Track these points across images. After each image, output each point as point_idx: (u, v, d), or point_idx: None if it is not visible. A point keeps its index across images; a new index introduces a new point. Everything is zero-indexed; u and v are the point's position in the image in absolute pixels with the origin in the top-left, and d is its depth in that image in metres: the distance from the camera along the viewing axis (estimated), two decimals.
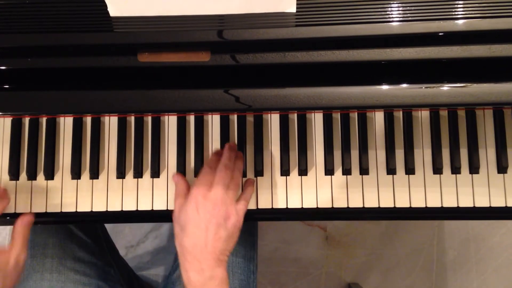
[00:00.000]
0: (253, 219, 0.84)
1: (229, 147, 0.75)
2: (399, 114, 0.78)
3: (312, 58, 0.66)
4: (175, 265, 0.92)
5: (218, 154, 0.75)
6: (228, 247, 0.68)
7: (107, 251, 0.95)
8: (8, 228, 1.49)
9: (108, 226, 1.01)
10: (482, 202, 0.77)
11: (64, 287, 0.82)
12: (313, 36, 0.65)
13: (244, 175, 0.78)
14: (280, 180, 0.78)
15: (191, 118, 0.79)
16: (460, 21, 0.64)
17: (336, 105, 0.68)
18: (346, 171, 0.77)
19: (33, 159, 0.78)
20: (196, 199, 0.68)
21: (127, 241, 1.49)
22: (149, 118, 0.79)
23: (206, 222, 0.67)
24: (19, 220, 0.74)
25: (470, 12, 0.64)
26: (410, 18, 0.64)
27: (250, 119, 0.79)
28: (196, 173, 0.78)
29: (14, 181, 0.78)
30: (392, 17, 0.64)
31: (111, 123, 0.79)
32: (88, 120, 0.79)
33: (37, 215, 0.77)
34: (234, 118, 0.79)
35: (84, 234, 0.89)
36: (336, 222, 1.52)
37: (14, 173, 0.78)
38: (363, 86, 0.68)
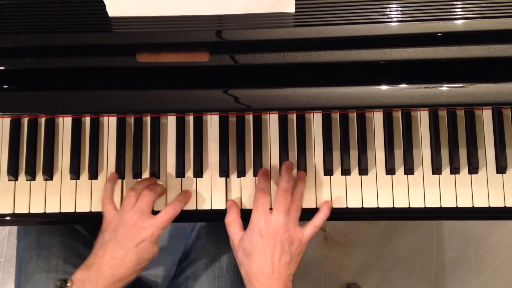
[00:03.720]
0: None
1: (286, 168, 0.74)
2: (398, 114, 0.78)
3: (311, 58, 0.66)
4: (180, 268, 0.92)
5: (265, 174, 0.75)
6: (292, 271, 0.69)
7: None
8: (8, 229, 1.49)
9: None
10: (481, 202, 0.77)
11: None
12: (312, 36, 0.65)
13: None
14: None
15: (190, 118, 0.79)
16: (459, 22, 0.64)
17: (335, 105, 0.68)
18: (345, 171, 0.77)
19: (32, 159, 0.78)
20: (258, 226, 0.69)
21: None
22: (148, 118, 0.79)
23: (271, 249, 0.67)
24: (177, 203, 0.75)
25: (469, 12, 0.64)
26: (409, 19, 0.64)
27: (249, 119, 0.79)
28: (196, 173, 0.78)
29: (13, 182, 0.78)
30: (391, 18, 0.64)
31: (110, 123, 0.79)
32: (87, 120, 0.79)
33: (35, 215, 0.77)
34: (233, 118, 0.79)
35: (88, 233, 0.89)
36: (335, 222, 1.52)
37: (13, 174, 0.78)
38: (362, 86, 0.68)
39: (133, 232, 0.69)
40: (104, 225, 0.72)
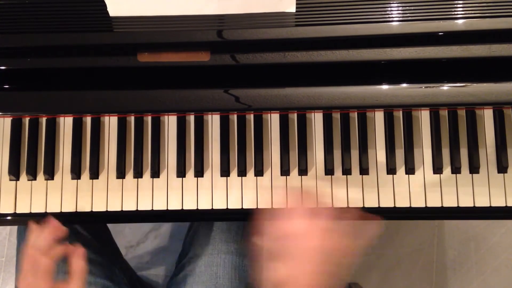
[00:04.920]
0: (253, 218, 0.84)
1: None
2: (399, 114, 0.78)
3: (311, 58, 0.66)
4: (179, 266, 0.92)
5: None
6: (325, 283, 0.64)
7: (111, 251, 0.95)
8: (9, 228, 1.49)
9: (108, 226, 1.01)
10: (482, 201, 0.76)
11: None
12: (312, 36, 0.65)
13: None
14: (280, 180, 0.78)
15: (191, 118, 0.79)
16: (460, 21, 0.64)
17: (336, 104, 0.68)
18: (346, 171, 0.77)
19: (33, 159, 0.78)
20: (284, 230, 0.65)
21: (127, 241, 1.49)
22: (149, 118, 0.79)
23: (303, 254, 0.63)
24: (74, 254, 0.70)
25: (470, 11, 0.64)
26: (409, 18, 0.64)
27: (250, 118, 0.79)
28: (197, 173, 0.78)
29: (14, 181, 0.78)
30: (392, 17, 0.64)
31: (111, 123, 0.79)
32: (88, 120, 0.79)
33: (37, 215, 0.77)
34: (234, 118, 0.79)
35: (89, 234, 0.89)
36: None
37: (14, 174, 0.78)
38: (363, 86, 0.68)
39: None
40: None
